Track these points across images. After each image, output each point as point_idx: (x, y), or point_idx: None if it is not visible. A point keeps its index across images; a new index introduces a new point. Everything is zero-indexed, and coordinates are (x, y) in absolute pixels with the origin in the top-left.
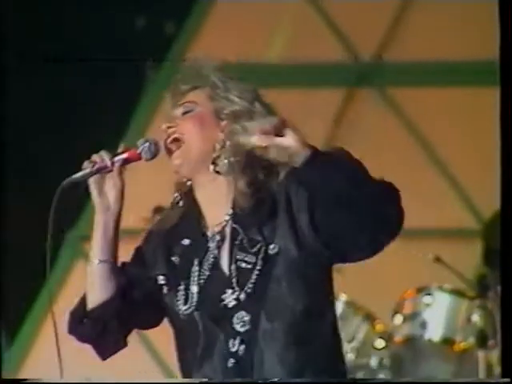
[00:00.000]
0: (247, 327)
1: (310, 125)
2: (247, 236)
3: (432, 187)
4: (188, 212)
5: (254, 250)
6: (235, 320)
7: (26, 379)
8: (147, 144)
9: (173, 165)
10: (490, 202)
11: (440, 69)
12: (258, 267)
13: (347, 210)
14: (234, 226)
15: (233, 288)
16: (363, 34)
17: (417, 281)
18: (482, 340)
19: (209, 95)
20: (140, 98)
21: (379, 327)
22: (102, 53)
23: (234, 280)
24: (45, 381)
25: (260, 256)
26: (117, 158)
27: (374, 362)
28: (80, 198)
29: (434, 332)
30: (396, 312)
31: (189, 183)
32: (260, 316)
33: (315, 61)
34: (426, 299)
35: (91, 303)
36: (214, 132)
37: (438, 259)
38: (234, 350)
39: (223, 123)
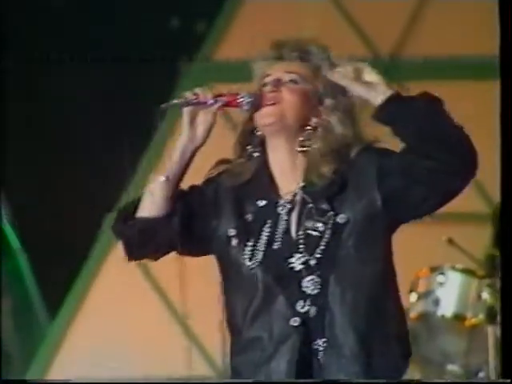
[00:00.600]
0: (317, 290)
1: None
2: (316, 206)
3: None
4: (260, 171)
5: (323, 218)
6: (304, 283)
7: (25, 379)
8: (251, 98)
9: (261, 119)
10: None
11: (452, 64)
12: (326, 235)
13: (421, 155)
14: (304, 196)
15: (300, 253)
16: (382, 33)
17: (431, 261)
18: (491, 316)
19: (314, 74)
20: (173, 94)
21: None
22: (137, 52)
23: (301, 245)
24: (46, 381)
25: (329, 225)
26: (219, 98)
27: None
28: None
29: (447, 308)
30: (411, 290)
31: (258, 133)
32: (329, 280)
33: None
34: (439, 278)
35: (142, 212)
36: (311, 113)
37: (450, 241)
38: (302, 310)
39: (321, 108)
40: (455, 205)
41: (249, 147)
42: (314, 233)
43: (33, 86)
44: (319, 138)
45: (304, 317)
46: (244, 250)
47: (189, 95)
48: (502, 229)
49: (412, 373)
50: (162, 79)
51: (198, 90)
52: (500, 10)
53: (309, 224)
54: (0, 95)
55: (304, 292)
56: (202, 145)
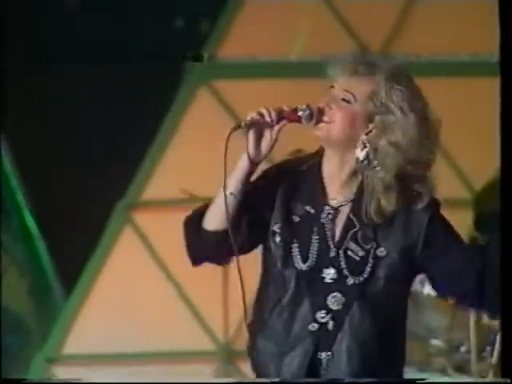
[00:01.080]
0: (340, 307)
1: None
2: (363, 230)
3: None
4: (314, 178)
5: (367, 247)
6: (330, 297)
7: (25, 379)
8: (308, 112)
9: (315, 131)
10: (481, 176)
11: (438, 61)
12: (369, 265)
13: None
14: (351, 217)
15: (337, 269)
16: (371, 31)
17: None
18: None
19: (370, 94)
20: (177, 90)
21: None
22: (143, 50)
23: (341, 261)
24: (45, 381)
25: (371, 255)
26: (281, 117)
27: None
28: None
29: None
30: None
31: None
32: (353, 303)
33: (330, 54)
34: None
35: (211, 226)
36: (359, 132)
37: None
38: (322, 321)
39: (371, 126)
40: (438, 190)
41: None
42: (354, 256)
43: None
44: (379, 162)
45: (321, 326)
46: (285, 250)
47: (254, 115)
48: (501, 231)
49: None
50: (166, 77)
51: (263, 111)
52: (500, 8)
53: (351, 246)
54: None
55: (327, 305)
56: (263, 159)
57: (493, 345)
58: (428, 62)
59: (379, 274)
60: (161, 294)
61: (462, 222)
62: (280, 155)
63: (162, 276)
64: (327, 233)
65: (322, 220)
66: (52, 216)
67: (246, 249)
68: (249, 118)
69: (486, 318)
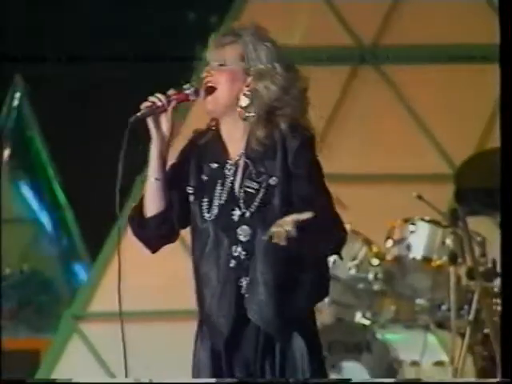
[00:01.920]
0: (248, 238)
1: (321, 96)
2: (255, 169)
3: (417, 144)
4: (215, 141)
5: (260, 179)
6: (239, 231)
7: (24, 379)
8: (193, 88)
9: (206, 108)
10: (460, 154)
11: (426, 50)
12: (260, 194)
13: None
14: (246, 160)
15: (239, 207)
16: (364, 23)
17: (404, 213)
18: (453, 259)
19: (240, 54)
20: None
21: (375, 249)
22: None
23: (241, 201)
24: (45, 381)
25: (263, 185)
26: (171, 99)
27: (370, 275)
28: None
29: (417, 252)
30: (388, 237)
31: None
32: (257, 231)
33: (326, 44)
34: (411, 227)
35: (150, 212)
36: (241, 86)
37: (420, 197)
38: (235, 254)
39: (249, 79)
40: (423, 166)
41: (211, 122)
42: (251, 191)
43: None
44: (252, 105)
45: (237, 259)
46: (201, 207)
47: (147, 104)
48: (501, 231)
49: (388, 306)
50: (180, 64)
51: (152, 98)
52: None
53: (247, 183)
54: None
55: (238, 239)
56: (171, 140)
57: (470, 303)
58: (418, 51)
59: (275, 202)
60: (174, 258)
61: (444, 195)
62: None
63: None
64: (230, 182)
65: (225, 172)
66: (78, 188)
67: (183, 223)
68: (142, 108)
69: (464, 280)
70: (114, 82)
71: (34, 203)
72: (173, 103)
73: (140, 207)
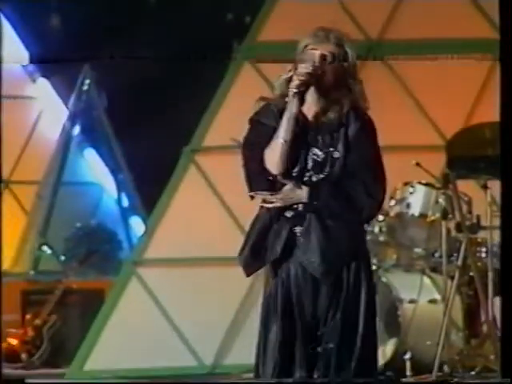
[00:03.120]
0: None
1: None
2: (323, 141)
3: (415, 121)
4: (295, 108)
5: (326, 150)
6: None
7: (23, 379)
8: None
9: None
10: (451, 129)
11: (426, 45)
12: (327, 165)
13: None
14: (317, 130)
15: (308, 170)
16: (371, 18)
17: (404, 178)
18: (445, 215)
19: (343, 56)
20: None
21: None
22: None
23: (311, 166)
24: (45, 381)
25: (328, 157)
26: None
27: (376, 229)
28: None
29: (415, 210)
30: (391, 198)
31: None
32: (320, 193)
33: None
34: (410, 189)
35: (275, 169)
36: (338, 81)
37: (418, 164)
38: (295, 207)
39: (347, 79)
40: (420, 139)
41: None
42: (318, 159)
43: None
44: (343, 95)
45: (295, 212)
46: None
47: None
48: (501, 231)
49: (390, 254)
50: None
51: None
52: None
53: (316, 152)
54: None
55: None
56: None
57: (458, 251)
58: (418, 44)
59: (336, 171)
60: (218, 222)
61: (437, 163)
62: None
63: (219, 208)
64: (309, 148)
65: (308, 139)
66: (135, 156)
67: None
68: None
69: (453, 232)
70: (162, 70)
71: (99, 169)
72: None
73: (257, 165)
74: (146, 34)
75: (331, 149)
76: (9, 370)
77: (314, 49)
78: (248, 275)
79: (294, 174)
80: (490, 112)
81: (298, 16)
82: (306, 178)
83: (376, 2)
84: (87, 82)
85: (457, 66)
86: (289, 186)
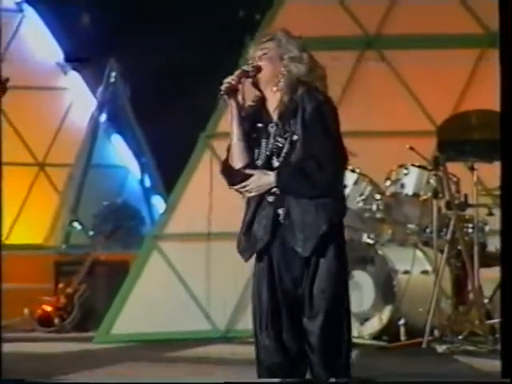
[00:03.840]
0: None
1: (338, 74)
2: (283, 128)
3: (409, 109)
4: (261, 107)
5: (286, 136)
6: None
7: (24, 379)
8: (251, 67)
9: (253, 83)
10: (441, 116)
11: (419, 39)
12: (286, 146)
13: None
14: (277, 121)
15: (272, 157)
16: (369, 15)
17: (399, 160)
18: (435, 194)
19: (277, 45)
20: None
21: (377, 187)
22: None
23: (274, 151)
24: (44, 381)
25: (288, 140)
26: (240, 76)
27: (374, 207)
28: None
29: (409, 189)
30: (387, 178)
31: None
32: (283, 172)
33: (339, 34)
34: (404, 171)
35: (237, 165)
36: (279, 67)
37: (411, 148)
38: (274, 191)
39: (284, 62)
40: (413, 125)
41: (255, 97)
42: (279, 144)
43: None
44: (285, 79)
45: (275, 195)
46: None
47: (225, 85)
48: (501, 232)
49: (386, 230)
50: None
51: (227, 79)
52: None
53: (278, 139)
54: None
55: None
56: (244, 109)
57: (447, 227)
58: (412, 38)
59: (297, 153)
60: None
61: (429, 147)
62: None
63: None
64: (270, 138)
65: (269, 130)
66: (156, 141)
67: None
68: (222, 88)
69: (443, 210)
70: (181, 62)
71: (124, 153)
72: (242, 80)
73: (227, 162)
74: (165, 30)
75: (289, 133)
76: (42, 334)
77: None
78: (246, 260)
79: (258, 163)
80: (476, 100)
81: (303, 16)
82: (273, 165)
83: (373, 2)
84: (113, 74)
85: (446, 60)
86: (255, 176)
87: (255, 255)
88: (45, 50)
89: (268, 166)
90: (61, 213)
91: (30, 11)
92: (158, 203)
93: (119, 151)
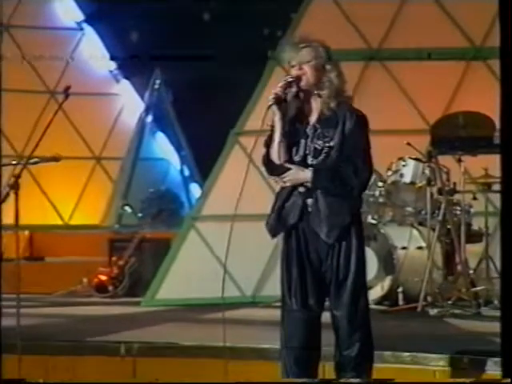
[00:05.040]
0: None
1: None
2: (322, 132)
3: (407, 112)
4: (301, 111)
5: (324, 140)
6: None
7: (24, 379)
8: (292, 78)
9: (299, 85)
10: (433, 117)
11: (417, 52)
12: (323, 152)
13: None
14: (316, 125)
15: (309, 156)
16: (372, 29)
17: (398, 154)
18: (429, 182)
19: (317, 54)
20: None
21: (380, 176)
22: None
23: (311, 152)
24: (43, 381)
25: (326, 145)
26: (284, 87)
27: (377, 193)
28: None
29: (406, 178)
30: (388, 169)
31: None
32: (322, 172)
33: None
34: (403, 163)
35: (278, 161)
36: (321, 76)
37: (408, 144)
38: (307, 185)
39: (326, 72)
40: (411, 125)
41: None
42: (317, 147)
43: None
44: (328, 87)
45: (306, 188)
46: (293, 150)
47: (272, 96)
48: (501, 232)
49: (387, 212)
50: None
51: (274, 91)
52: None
53: (316, 141)
54: None
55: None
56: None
57: (439, 209)
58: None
59: (332, 157)
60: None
61: (424, 142)
62: None
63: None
64: (308, 139)
65: (307, 132)
66: (194, 138)
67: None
68: (271, 98)
69: (436, 195)
70: (214, 73)
71: (166, 148)
72: (286, 90)
73: (268, 156)
74: (201, 44)
75: (328, 139)
76: (99, 299)
77: (292, 64)
78: (273, 237)
79: (296, 160)
80: (463, 104)
81: (319, 31)
82: (308, 162)
83: (376, 17)
84: (158, 82)
85: (438, 70)
86: (293, 170)
87: (284, 234)
88: (100, 62)
89: (304, 163)
90: (114, 198)
91: (88, 29)
92: (195, 190)
93: (162, 146)
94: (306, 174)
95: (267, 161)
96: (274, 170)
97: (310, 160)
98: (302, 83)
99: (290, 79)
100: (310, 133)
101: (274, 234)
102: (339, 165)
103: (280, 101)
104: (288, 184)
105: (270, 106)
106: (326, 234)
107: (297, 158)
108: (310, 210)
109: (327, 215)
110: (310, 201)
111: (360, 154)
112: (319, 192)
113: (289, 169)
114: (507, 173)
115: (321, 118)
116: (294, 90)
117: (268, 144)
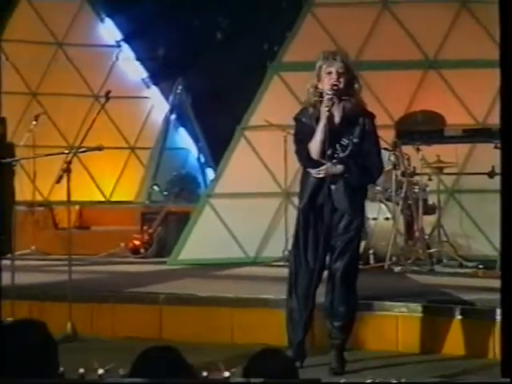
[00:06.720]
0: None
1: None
2: (347, 131)
3: (378, 114)
4: (332, 114)
5: (349, 138)
6: (334, 162)
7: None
8: (332, 92)
9: (335, 92)
10: (397, 114)
11: (387, 64)
12: (349, 147)
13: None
14: (342, 124)
15: (338, 151)
16: (351, 45)
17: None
18: (394, 166)
19: (346, 64)
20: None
21: None
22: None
23: (338, 147)
24: (44, 381)
25: (350, 142)
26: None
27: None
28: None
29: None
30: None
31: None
32: (349, 164)
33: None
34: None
35: (315, 156)
36: (348, 84)
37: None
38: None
39: (352, 80)
40: (380, 121)
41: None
42: (343, 143)
43: None
44: (352, 95)
45: (331, 177)
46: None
47: (328, 99)
48: (501, 234)
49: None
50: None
51: (328, 96)
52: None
53: (342, 139)
54: None
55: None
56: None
57: (402, 188)
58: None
59: (355, 151)
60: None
61: (390, 135)
62: None
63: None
64: (337, 136)
65: (335, 131)
66: (210, 131)
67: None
68: (325, 102)
69: (399, 177)
70: (225, 81)
71: (187, 140)
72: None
73: (308, 153)
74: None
75: (351, 137)
76: (133, 259)
77: (329, 71)
78: (305, 217)
79: (328, 154)
80: (422, 104)
81: (311, 44)
82: (336, 156)
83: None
84: (180, 87)
85: (400, 77)
86: (327, 165)
87: (308, 209)
88: (134, 72)
89: (332, 156)
90: (145, 180)
91: (125, 46)
92: (210, 173)
93: (183, 139)
94: (338, 169)
95: (307, 156)
96: (308, 163)
97: (338, 154)
98: (338, 91)
99: (335, 88)
100: (337, 131)
101: (306, 214)
102: (362, 157)
103: (329, 111)
104: (321, 175)
105: (328, 110)
106: (348, 211)
107: (328, 153)
108: (333, 193)
109: (348, 197)
110: (333, 186)
111: (376, 148)
112: (341, 180)
113: (322, 163)
114: (507, 173)
115: (345, 119)
116: (331, 95)
117: (302, 140)
